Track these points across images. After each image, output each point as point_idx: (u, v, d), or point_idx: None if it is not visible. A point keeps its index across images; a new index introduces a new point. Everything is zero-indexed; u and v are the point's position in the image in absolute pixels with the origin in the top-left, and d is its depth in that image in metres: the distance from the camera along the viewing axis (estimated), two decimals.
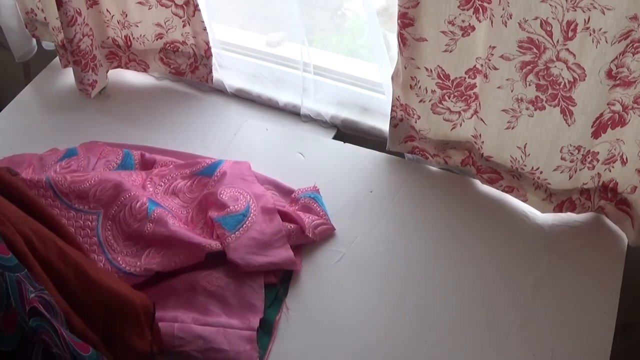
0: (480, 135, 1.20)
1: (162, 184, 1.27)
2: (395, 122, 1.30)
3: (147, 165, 1.32)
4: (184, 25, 1.42)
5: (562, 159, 1.13)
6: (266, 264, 1.14)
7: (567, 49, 0.99)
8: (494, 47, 1.05)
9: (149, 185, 1.25)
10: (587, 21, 0.94)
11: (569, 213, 1.23)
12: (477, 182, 1.31)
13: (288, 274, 1.18)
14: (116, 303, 0.90)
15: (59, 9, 1.32)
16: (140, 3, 1.40)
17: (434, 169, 1.35)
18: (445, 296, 1.15)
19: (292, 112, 1.48)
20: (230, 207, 1.17)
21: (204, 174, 1.26)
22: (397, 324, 1.12)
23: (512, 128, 1.14)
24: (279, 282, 1.16)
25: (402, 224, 1.26)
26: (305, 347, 1.10)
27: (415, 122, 1.27)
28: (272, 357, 1.08)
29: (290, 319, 1.13)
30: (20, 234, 0.73)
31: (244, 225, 1.16)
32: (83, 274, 0.84)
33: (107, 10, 1.44)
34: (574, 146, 1.10)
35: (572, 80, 1.02)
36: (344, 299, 1.16)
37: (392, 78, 1.24)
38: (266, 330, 1.10)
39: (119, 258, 1.12)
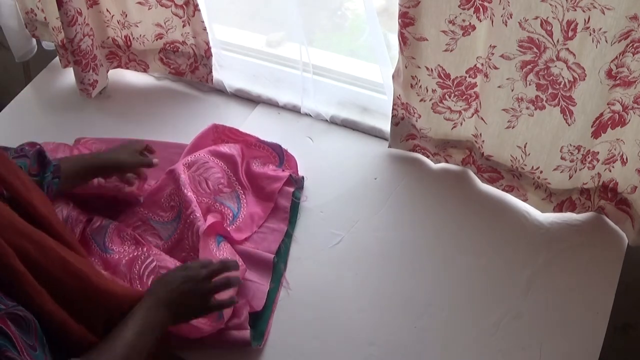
0: (480, 134, 1.20)
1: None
2: (396, 121, 1.30)
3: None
4: (184, 25, 1.42)
5: (562, 158, 1.13)
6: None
7: (567, 49, 0.99)
8: (494, 47, 1.05)
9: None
10: (587, 21, 0.94)
11: (569, 213, 1.23)
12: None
13: (287, 249, 1.21)
14: (114, 303, 0.91)
15: (59, 9, 1.32)
16: (140, 3, 1.40)
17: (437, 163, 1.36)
18: (438, 285, 1.16)
19: (292, 112, 1.48)
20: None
21: None
22: (388, 308, 1.13)
23: (513, 127, 1.14)
24: (278, 256, 1.19)
25: (403, 212, 1.28)
26: (298, 323, 1.12)
27: (416, 121, 1.27)
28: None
29: (287, 295, 1.15)
30: (11, 246, 0.74)
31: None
32: (86, 282, 0.85)
33: (107, 10, 1.44)
34: (574, 146, 1.10)
35: (572, 79, 1.02)
36: (339, 280, 1.18)
37: (393, 77, 1.24)
38: (267, 303, 1.12)
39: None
